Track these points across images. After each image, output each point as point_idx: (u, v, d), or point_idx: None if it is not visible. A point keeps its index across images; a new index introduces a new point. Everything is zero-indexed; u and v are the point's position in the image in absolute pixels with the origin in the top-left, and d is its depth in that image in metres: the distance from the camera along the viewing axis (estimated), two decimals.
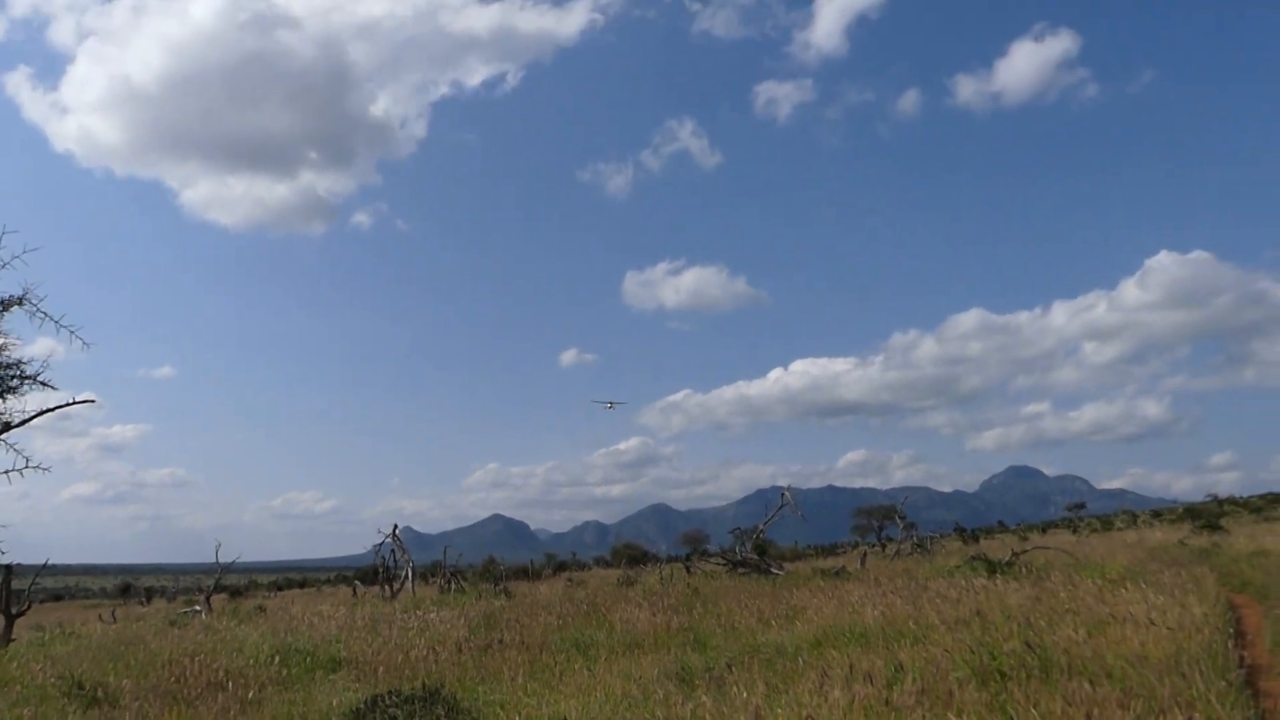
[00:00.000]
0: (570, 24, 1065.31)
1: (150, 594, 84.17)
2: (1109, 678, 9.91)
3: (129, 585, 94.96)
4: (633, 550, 75.43)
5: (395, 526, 47.84)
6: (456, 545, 53.79)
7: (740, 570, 37.15)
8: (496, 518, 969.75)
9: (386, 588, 45.03)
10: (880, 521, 73.30)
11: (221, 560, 47.42)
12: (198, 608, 40.21)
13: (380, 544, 47.24)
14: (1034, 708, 8.86)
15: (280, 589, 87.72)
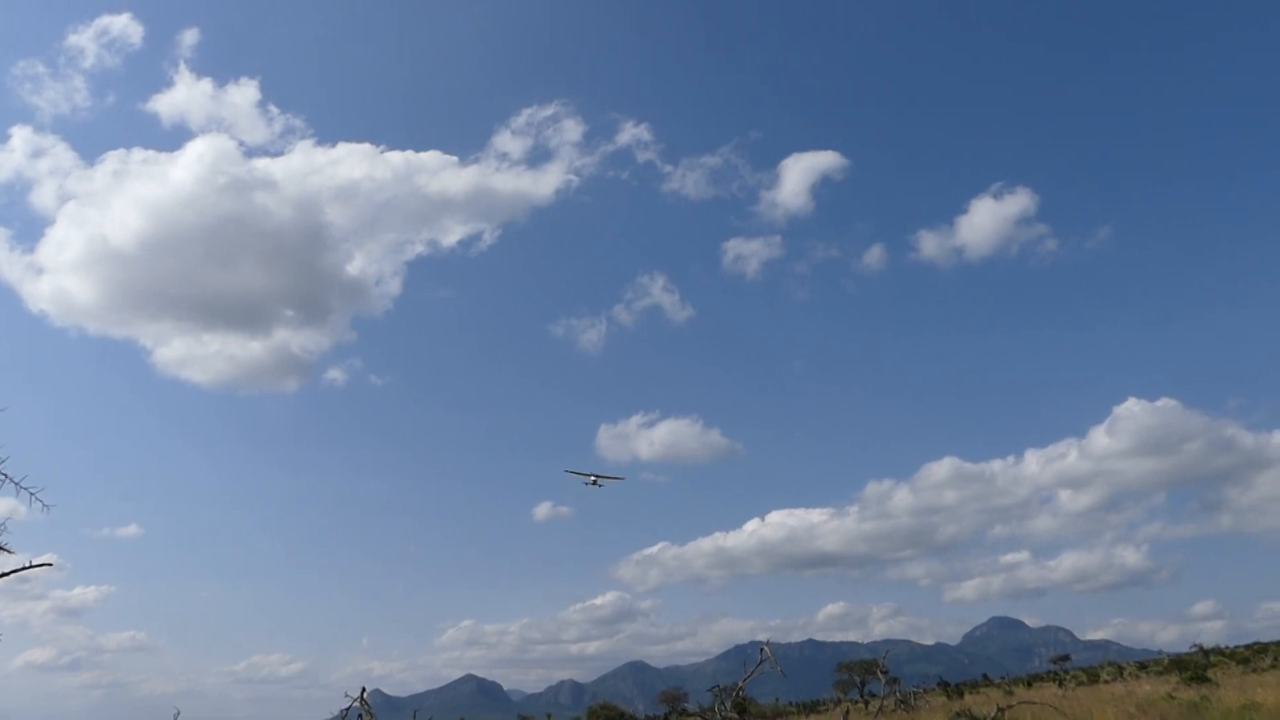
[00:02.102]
0: (546, 184, 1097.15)
1: None
2: None
3: None
4: (609, 711, 73.06)
5: (363, 690, 46.10)
6: (428, 708, 51.99)
7: None
8: (469, 678, 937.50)
9: None
10: (862, 676, 71.73)
11: None
12: None
13: (347, 709, 45.44)
14: None
15: None
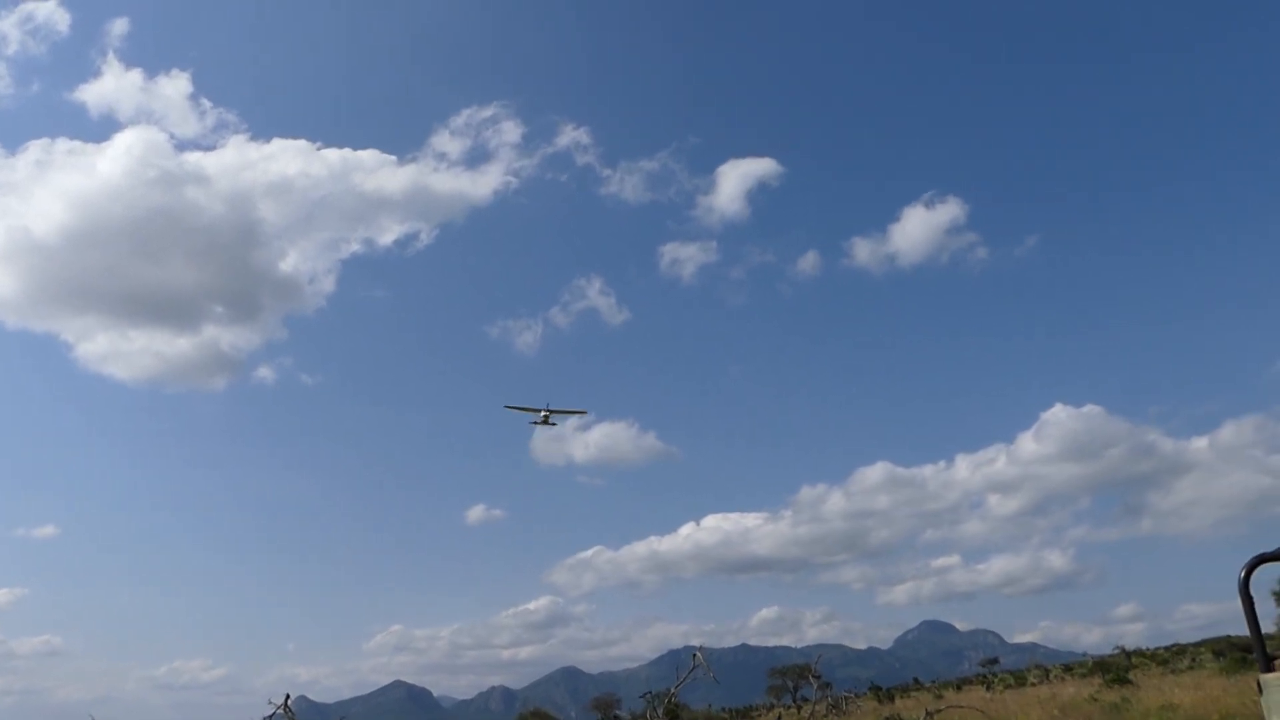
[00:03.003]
0: (484, 185, 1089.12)
1: None
2: None
3: None
4: (540, 717, 72.62)
5: (287, 697, 45.26)
6: (355, 715, 51.47)
7: None
8: (398, 684, 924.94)
9: None
10: (795, 681, 72.25)
11: None
12: None
13: (270, 716, 44.56)
14: None
15: None
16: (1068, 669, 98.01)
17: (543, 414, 63.00)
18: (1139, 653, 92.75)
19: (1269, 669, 5.89)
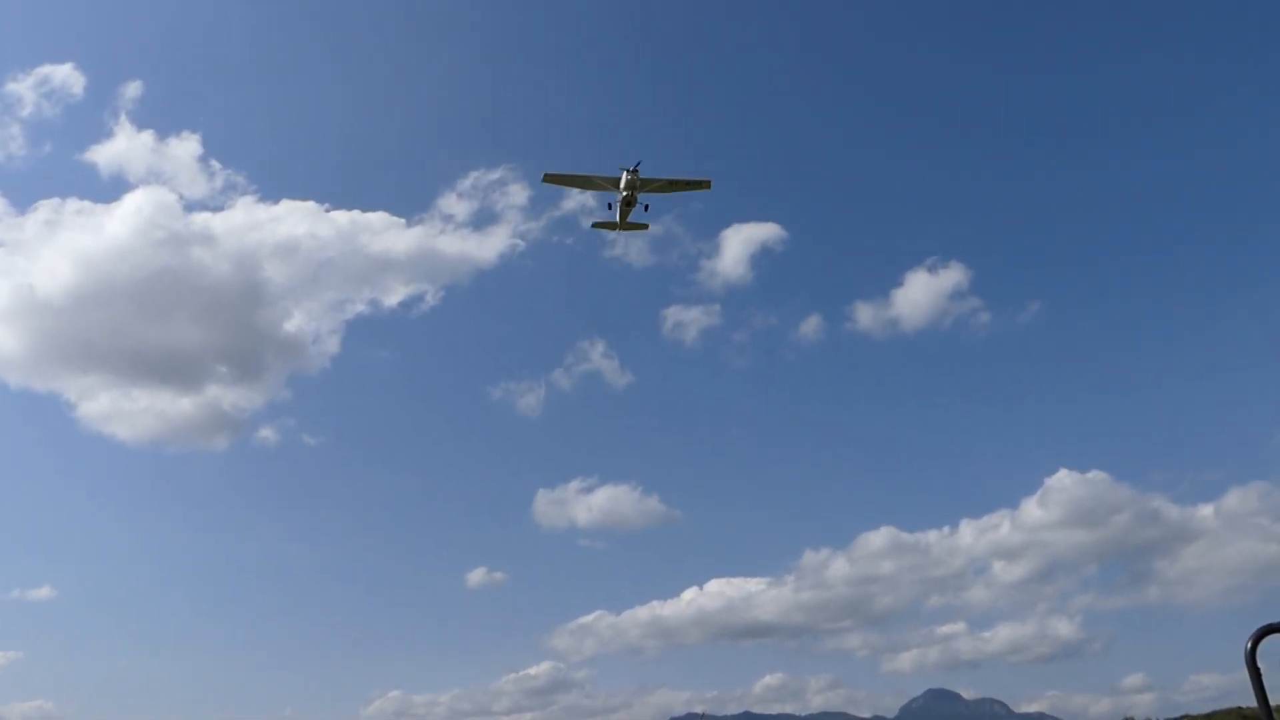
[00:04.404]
0: (490, 247, 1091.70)
1: None
2: None
3: None
4: None
5: None
6: None
7: None
8: None
9: None
10: None
11: None
12: None
13: None
14: None
15: None
16: None
17: (622, 194, 48.04)
18: None
19: None
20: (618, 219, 51.49)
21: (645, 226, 53.98)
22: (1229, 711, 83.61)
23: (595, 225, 52.44)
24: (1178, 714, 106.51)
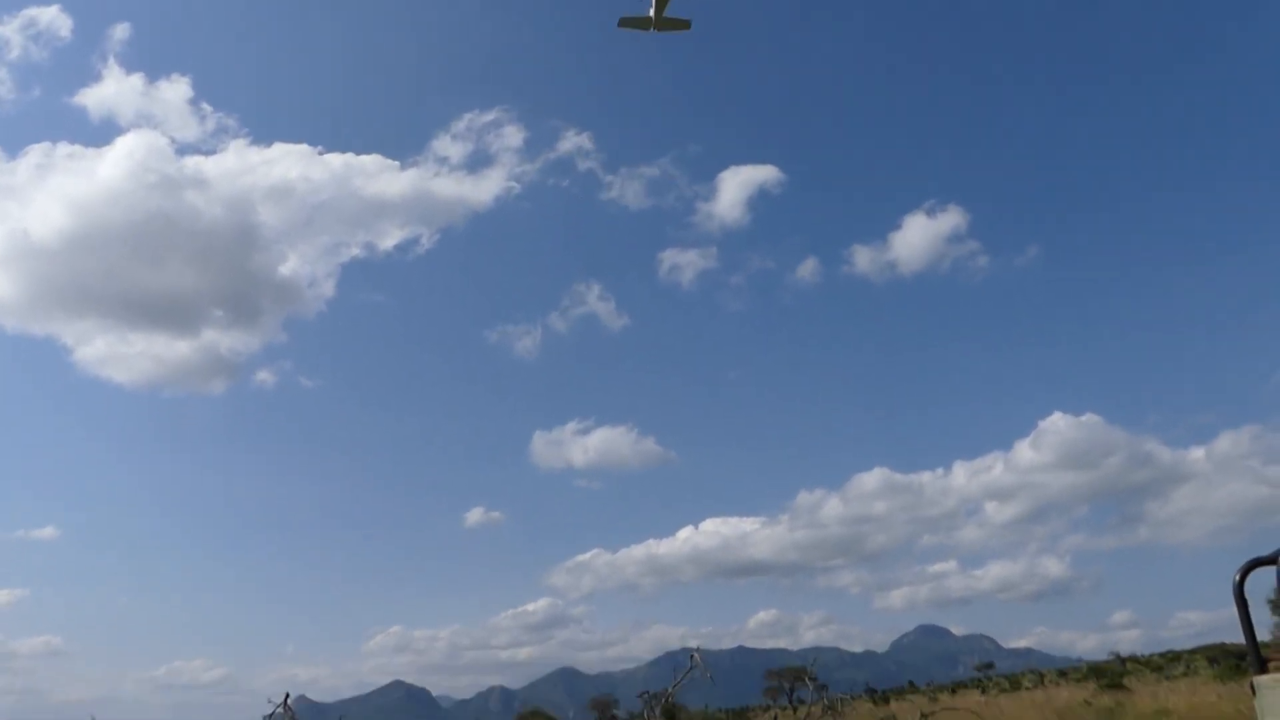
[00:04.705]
0: (485, 190, 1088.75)
1: None
2: None
3: None
4: (539, 717, 72.72)
5: (287, 696, 45.39)
6: (354, 715, 51.49)
7: None
8: (397, 684, 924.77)
9: None
10: (791, 683, 72.38)
11: None
12: None
13: (270, 715, 44.67)
14: None
15: None
16: (1062, 674, 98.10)
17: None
18: (1134, 659, 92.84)
19: (1263, 671, 6.03)
20: (652, 11, 43.83)
21: (686, 24, 44.75)
22: (1212, 647, 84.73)
23: (623, 22, 44.72)
24: (1163, 649, 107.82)
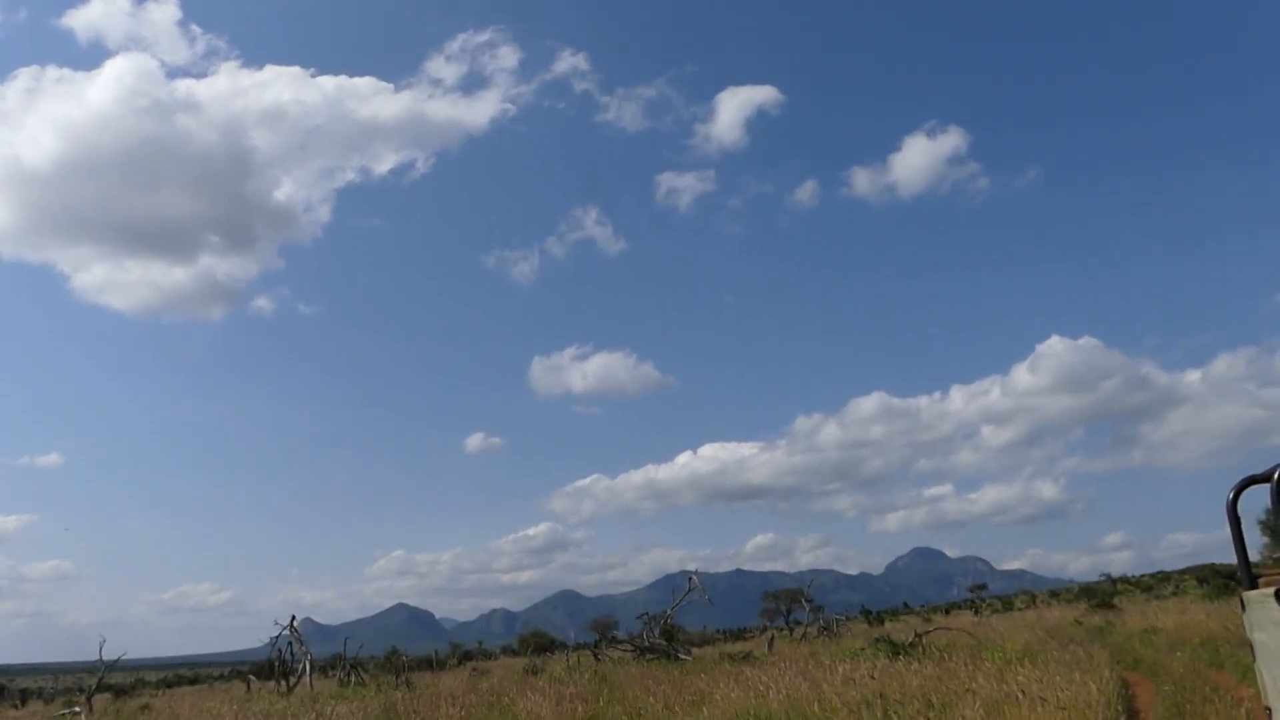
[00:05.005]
0: (481, 113, 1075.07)
1: (26, 696, 79.18)
2: None
3: (2, 687, 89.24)
4: (540, 638, 74.05)
5: (293, 618, 46.18)
6: (359, 636, 52.16)
7: (648, 656, 36.73)
8: (401, 607, 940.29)
9: (283, 682, 43.26)
10: (787, 605, 73.53)
11: (106, 657, 45.22)
12: (78, 709, 38.06)
13: (277, 636, 45.48)
14: None
15: (169, 686, 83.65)
16: (1054, 595, 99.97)
17: None
18: (1124, 580, 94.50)
19: (1253, 587, 6.09)
20: None
21: None
22: (1202, 567, 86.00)
23: None
24: (1153, 570, 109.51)
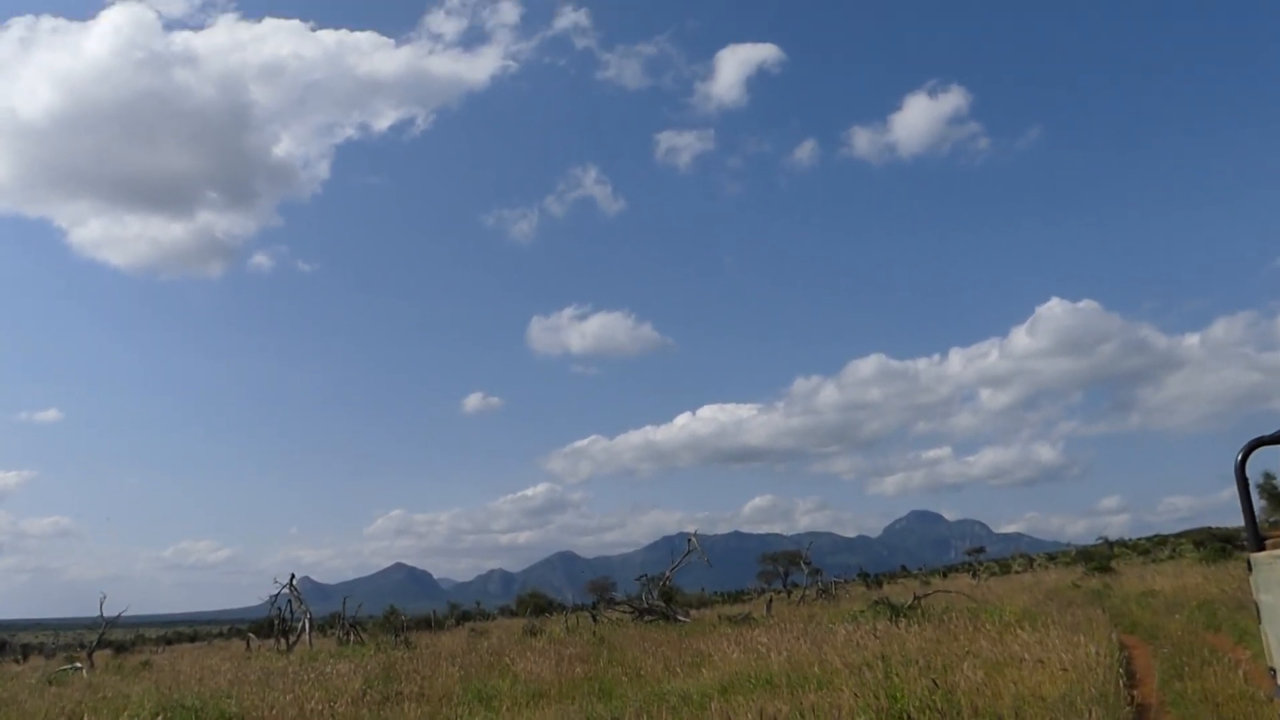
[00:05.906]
0: (481, 69, 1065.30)
1: (27, 651, 79.74)
2: (1008, 718, 10.03)
3: (3, 642, 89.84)
4: (538, 599, 74.47)
5: (292, 576, 46.43)
6: (357, 595, 52.35)
7: (646, 617, 36.91)
8: (399, 567, 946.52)
9: (282, 640, 43.55)
10: (785, 567, 73.95)
11: (106, 614, 45.49)
12: (79, 665, 38.27)
13: (276, 595, 45.74)
14: None
15: (170, 643, 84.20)
16: (1052, 558, 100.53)
17: None
18: (1122, 543, 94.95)
19: (1260, 549, 6.03)
20: None
21: None
22: (1199, 530, 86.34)
23: None
24: (1150, 534, 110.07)
